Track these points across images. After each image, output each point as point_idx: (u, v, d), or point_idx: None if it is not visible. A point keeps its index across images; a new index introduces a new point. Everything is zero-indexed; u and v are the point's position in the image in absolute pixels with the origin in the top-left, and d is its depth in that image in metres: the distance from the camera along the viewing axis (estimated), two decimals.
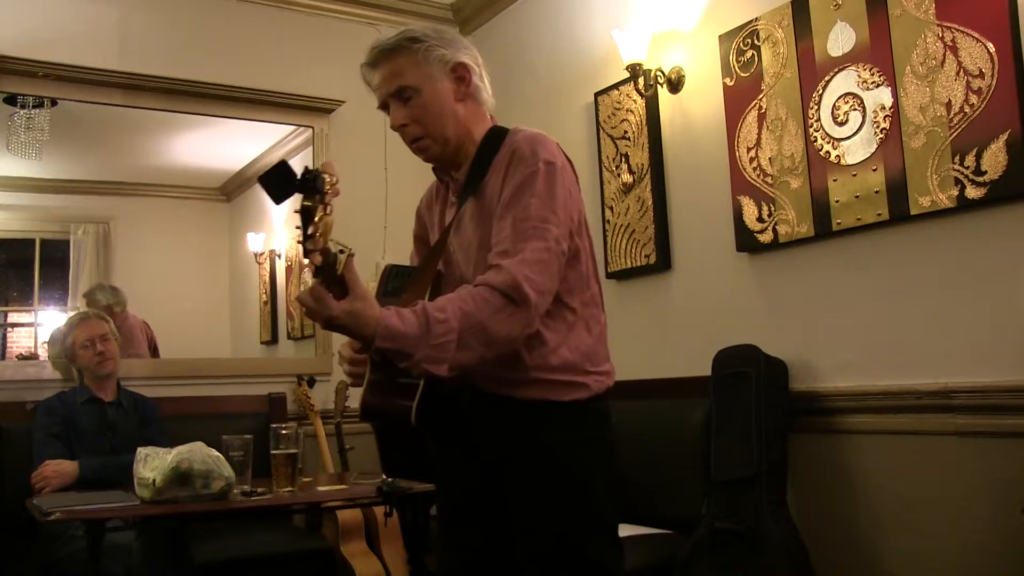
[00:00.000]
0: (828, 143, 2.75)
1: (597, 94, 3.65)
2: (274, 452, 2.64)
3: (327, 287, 1.34)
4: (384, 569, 3.36)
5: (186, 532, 2.92)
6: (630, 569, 2.57)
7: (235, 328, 4.54)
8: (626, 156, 3.50)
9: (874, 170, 2.62)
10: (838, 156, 2.72)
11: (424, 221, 1.82)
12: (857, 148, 2.67)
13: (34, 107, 3.76)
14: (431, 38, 1.62)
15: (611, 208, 3.56)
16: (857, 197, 2.66)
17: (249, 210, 4.56)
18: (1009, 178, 2.30)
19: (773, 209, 2.91)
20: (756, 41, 2.98)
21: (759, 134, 2.96)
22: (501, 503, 1.58)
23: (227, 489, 2.46)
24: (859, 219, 2.66)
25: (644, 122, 3.40)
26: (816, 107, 2.79)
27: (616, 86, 3.54)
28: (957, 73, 2.42)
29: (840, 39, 2.72)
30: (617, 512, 1.65)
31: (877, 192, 2.60)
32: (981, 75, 2.36)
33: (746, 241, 3.01)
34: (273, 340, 4.40)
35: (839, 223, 2.71)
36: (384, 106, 1.65)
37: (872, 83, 2.63)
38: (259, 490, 2.57)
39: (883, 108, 2.59)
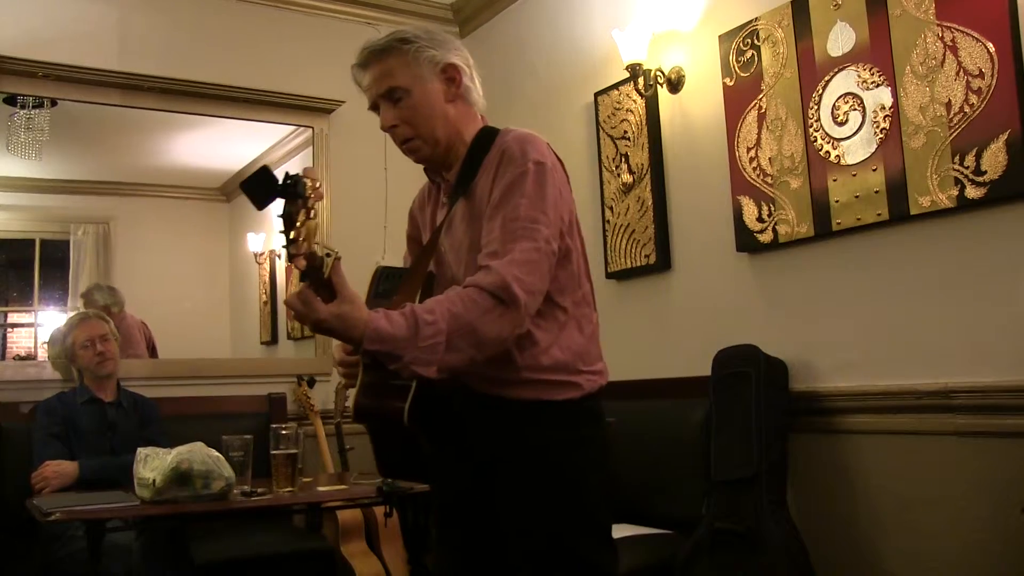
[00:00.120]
0: (828, 143, 2.75)
1: (597, 94, 3.65)
2: (274, 452, 2.64)
3: (315, 290, 1.35)
4: (384, 569, 3.36)
5: (186, 532, 2.92)
6: (630, 569, 2.59)
7: (235, 328, 4.54)
8: (626, 156, 3.50)
9: (874, 170, 2.62)
10: (838, 156, 2.72)
11: (417, 222, 1.82)
12: (857, 148, 2.67)
13: (34, 107, 3.76)
14: (421, 39, 1.62)
15: (611, 208, 3.56)
16: (857, 197, 2.66)
17: (249, 210, 4.51)
18: (1009, 178, 2.30)
19: (773, 209, 2.91)
20: (756, 41, 2.98)
21: (759, 134, 2.96)
22: (494, 503, 1.58)
23: (227, 489, 2.46)
24: (859, 219, 2.66)
25: (644, 122, 3.40)
26: (816, 107, 2.79)
27: (616, 86, 3.54)
28: (957, 73, 2.42)
29: (840, 39, 2.72)
30: (610, 512, 1.65)
31: (877, 192, 2.60)
32: (981, 75, 2.36)
33: (746, 241, 3.01)
34: (273, 340, 4.40)
35: (839, 223, 2.71)
36: (375, 107, 1.66)
37: (872, 83, 2.63)
38: (259, 490, 2.57)
39: (883, 108, 2.59)
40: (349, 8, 4.30)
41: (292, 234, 1.27)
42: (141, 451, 2.51)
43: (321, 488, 2.83)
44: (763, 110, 2.95)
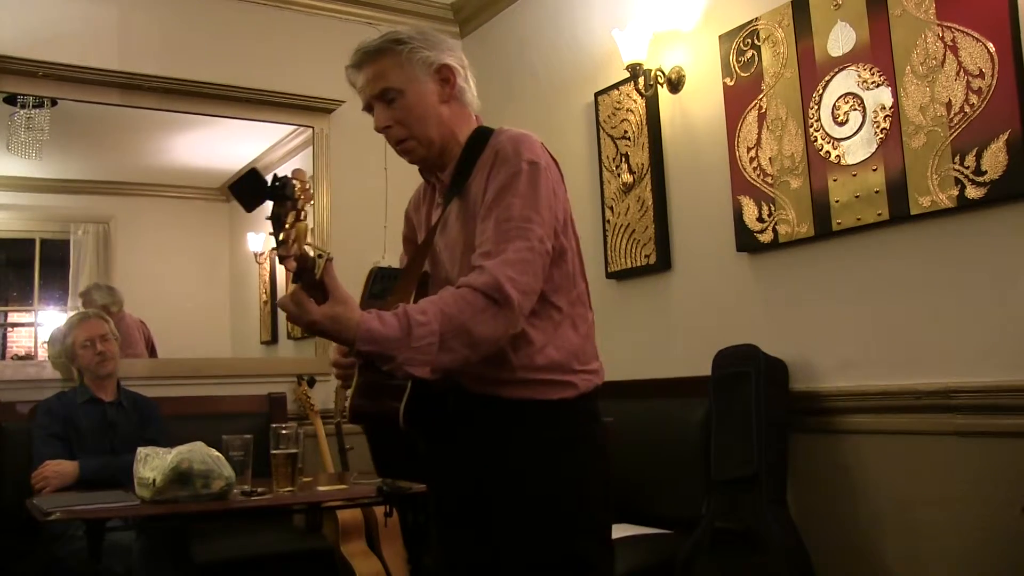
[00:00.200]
0: (828, 143, 2.75)
1: (597, 94, 3.65)
2: (274, 452, 2.64)
3: (308, 292, 1.36)
4: (384, 569, 3.36)
5: (186, 532, 2.92)
6: (630, 569, 2.59)
7: (235, 328, 4.54)
8: (626, 156, 3.49)
9: (874, 170, 2.62)
10: (838, 156, 2.72)
11: (412, 222, 1.82)
12: (857, 148, 2.67)
13: (34, 107, 3.76)
14: (415, 40, 1.62)
15: (611, 208, 3.56)
16: (857, 197, 2.66)
17: (246, 210, 4.55)
18: (1009, 178, 2.30)
19: (773, 209, 2.91)
20: (756, 41, 2.98)
21: (759, 134, 2.96)
22: (491, 502, 1.58)
23: (227, 489, 2.46)
24: (859, 219, 2.66)
25: (644, 122, 3.40)
26: (816, 107, 2.79)
27: (616, 86, 3.54)
28: (957, 73, 2.42)
29: (840, 39, 2.72)
30: (608, 511, 1.64)
31: (877, 192, 2.60)
32: (981, 75, 2.36)
33: (746, 241, 3.01)
34: (273, 340, 4.40)
35: (839, 223, 2.71)
36: (369, 108, 1.66)
37: (872, 83, 2.63)
38: (259, 490, 2.57)
39: (883, 108, 2.59)
40: (349, 8, 4.30)
41: (281, 236, 1.27)
42: (141, 451, 2.51)
43: (321, 488, 2.83)
44: (763, 110, 2.95)
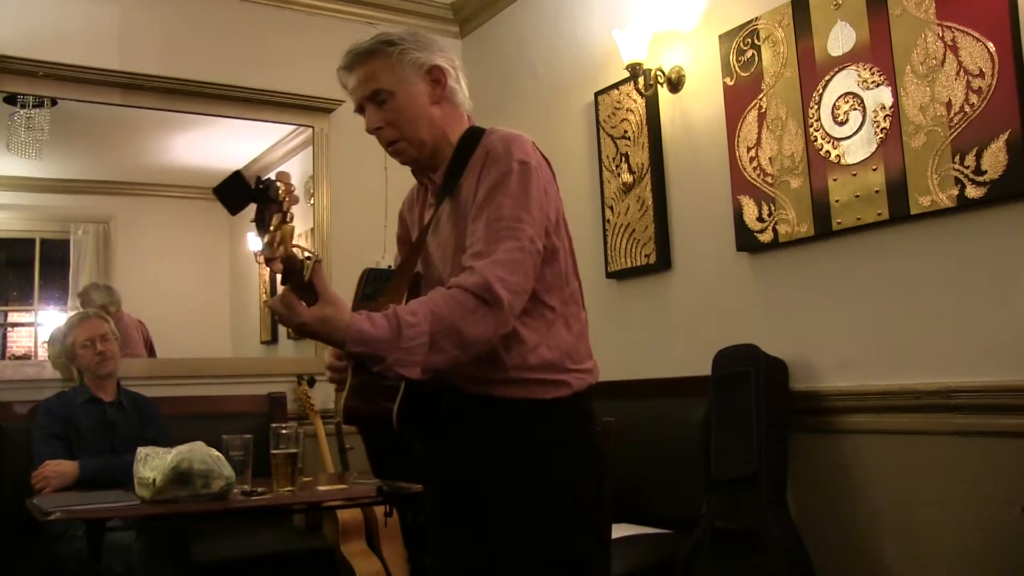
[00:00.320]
0: (828, 143, 2.75)
1: (597, 94, 3.64)
2: (274, 452, 2.64)
3: (299, 294, 1.36)
4: (384, 569, 3.36)
5: (186, 532, 2.92)
6: (630, 569, 2.59)
7: (235, 328, 4.54)
8: (626, 156, 3.49)
9: (874, 170, 2.62)
10: (838, 156, 2.72)
11: (406, 223, 1.83)
12: (857, 148, 2.67)
13: (34, 107, 3.76)
14: (406, 41, 1.63)
15: (611, 208, 3.56)
16: (857, 197, 2.66)
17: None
18: (1009, 178, 2.30)
19: (773, 209, 2.91)
20: (756, 41, 2.98)
21: (759, 134, 2.96)
22: (486, 502, 1.58)
23: (227, 489, 2.46)
24: (859, 219, 2.66)
25: (644, 122, 3.40)
26: (816, 107, 2.79)
27: (616, 86, 3.54)
28: (957, 73, 2.42)
29: (840, 39, 2.72)
30: (605, 509, 1.64)
31: (877, 192, 2.60)
32: (981, 75, 2.36)
33: (746, 241, 3.01)
34: (273, 340, 4.40)
35: (839, 223, 2.71)
36: (360, 109, 1.67)
37: (872, 83, 2.63)
38: (259, 490, 2.57)
39: (883, 108, 2.59)
40: (349, 8, 4.30)
41: (266, 238, 1.28)
42: (141, 451, 2.50)
43: (321, 488, 2.83)
44: (763, 110, 2.95)
